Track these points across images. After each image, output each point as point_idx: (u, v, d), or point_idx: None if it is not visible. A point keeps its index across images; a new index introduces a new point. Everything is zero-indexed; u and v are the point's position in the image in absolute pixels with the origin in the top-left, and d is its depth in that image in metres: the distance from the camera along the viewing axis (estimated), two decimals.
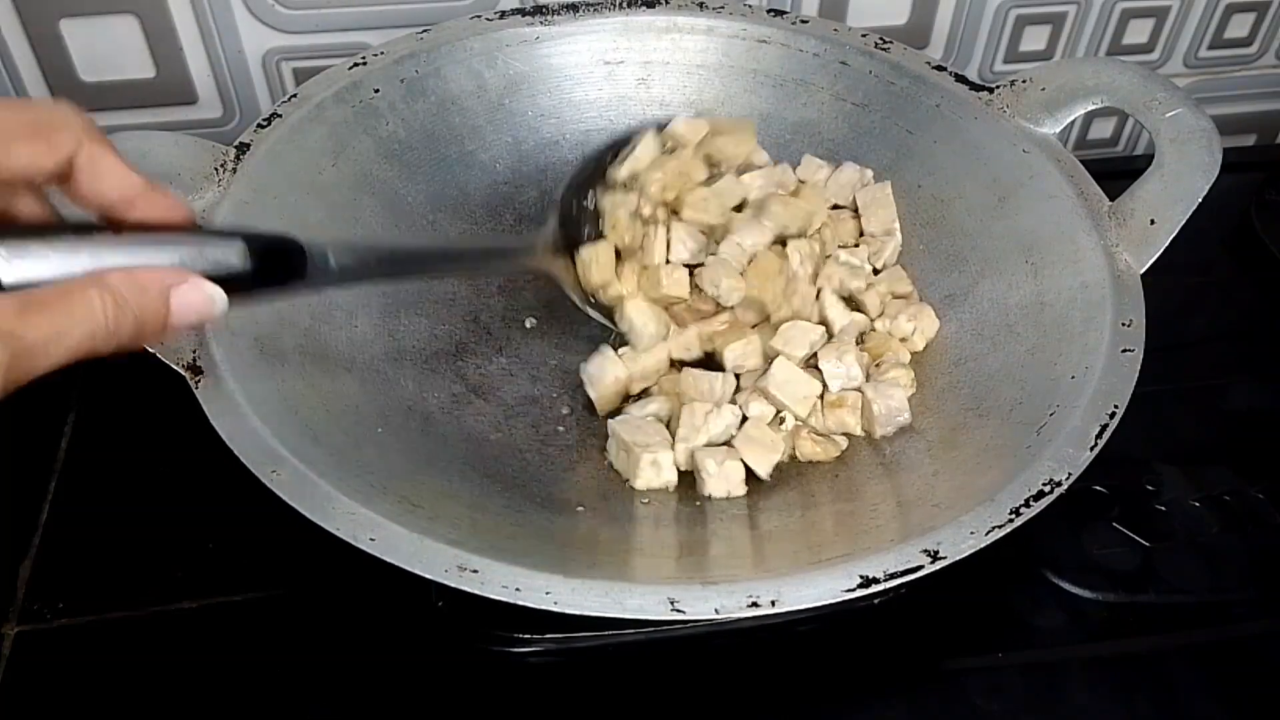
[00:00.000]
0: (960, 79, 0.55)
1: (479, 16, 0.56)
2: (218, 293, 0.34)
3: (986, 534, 0.38)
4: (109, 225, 0.34)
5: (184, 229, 0.35)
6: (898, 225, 0.54)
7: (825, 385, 0.48)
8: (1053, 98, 0.52)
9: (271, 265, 0.36)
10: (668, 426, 0.48)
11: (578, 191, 0.50)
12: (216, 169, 0.47)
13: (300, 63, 0.58)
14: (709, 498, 0.45)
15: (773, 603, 0.36)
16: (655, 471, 0.46)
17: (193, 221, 0.36)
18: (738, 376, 0.49)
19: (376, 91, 0.53)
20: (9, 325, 0.29)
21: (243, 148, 0.49)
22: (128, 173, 0.34)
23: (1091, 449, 0.40)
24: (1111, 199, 0.49)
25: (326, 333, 0.48)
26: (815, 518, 0.44)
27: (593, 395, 0.49)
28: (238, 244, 0.35)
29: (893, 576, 0.37)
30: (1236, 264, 0.67)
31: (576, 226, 0.49)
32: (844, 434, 0.48)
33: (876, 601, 0.45)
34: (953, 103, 0.54)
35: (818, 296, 0.51)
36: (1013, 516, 0.39)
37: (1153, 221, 0.47)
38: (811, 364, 0.49)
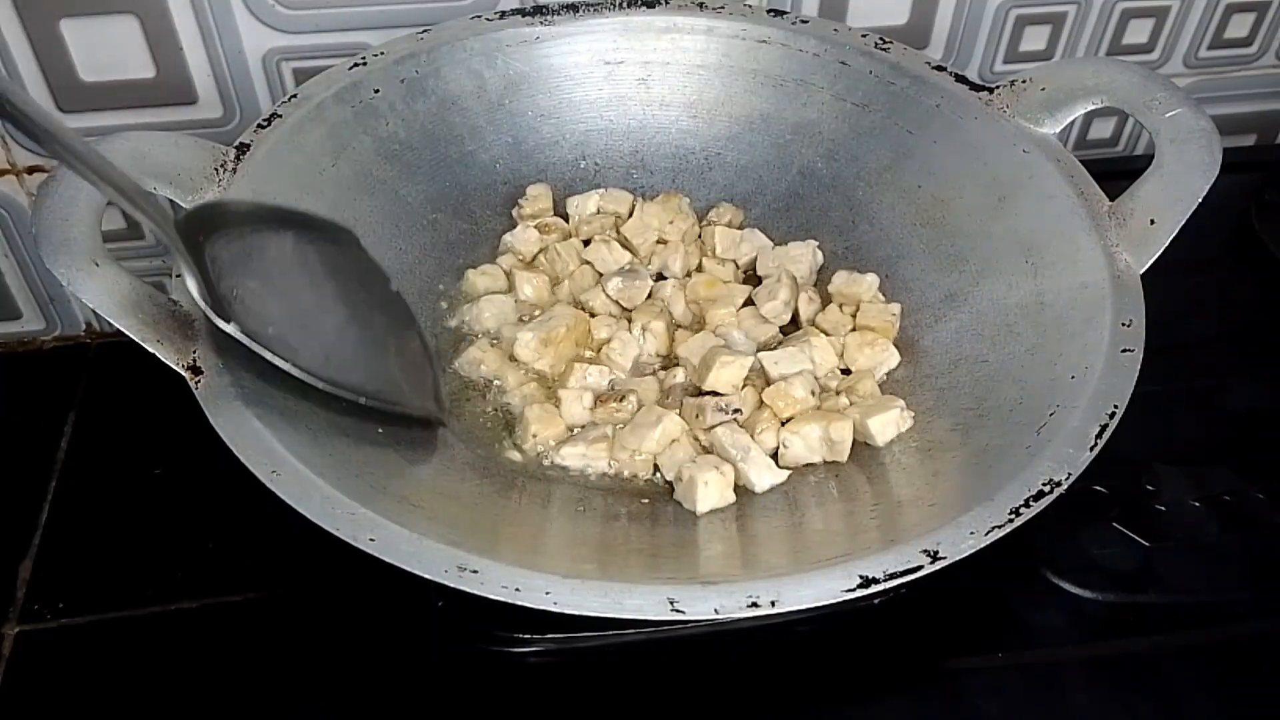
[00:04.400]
0: (960, 79, 0.55)
1: (479, 16, 0.56)
2: None
3: (986, 534, 0.38)
4: None
5: None
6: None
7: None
8: (1053, 98, 0.52)
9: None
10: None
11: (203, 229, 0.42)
12: (216, 169, 0.47)
13: (300, 63, 0.58)
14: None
15: (773, 603, 0.36)
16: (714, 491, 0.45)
17: None
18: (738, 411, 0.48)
19: (376, 91, 0.53)
20: None
21: (243, 148, 0.49)
22: None
23: (1091, 449, 0.40)
24: (1111, 199, 0.49)
25: None
26: (815, 518, 0.44)
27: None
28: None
29: (893, 576, 0.37)
30: (1236, 264, 0.67)
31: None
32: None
33: (876, 601, 0.45)
34: (953, 103, 0.54)
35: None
36: (1012, 516, 0.39)
37: (1153, 221, 0.47)
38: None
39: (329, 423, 0.43)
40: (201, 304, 0.40)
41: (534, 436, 0.47)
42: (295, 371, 0.41)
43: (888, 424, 0.47)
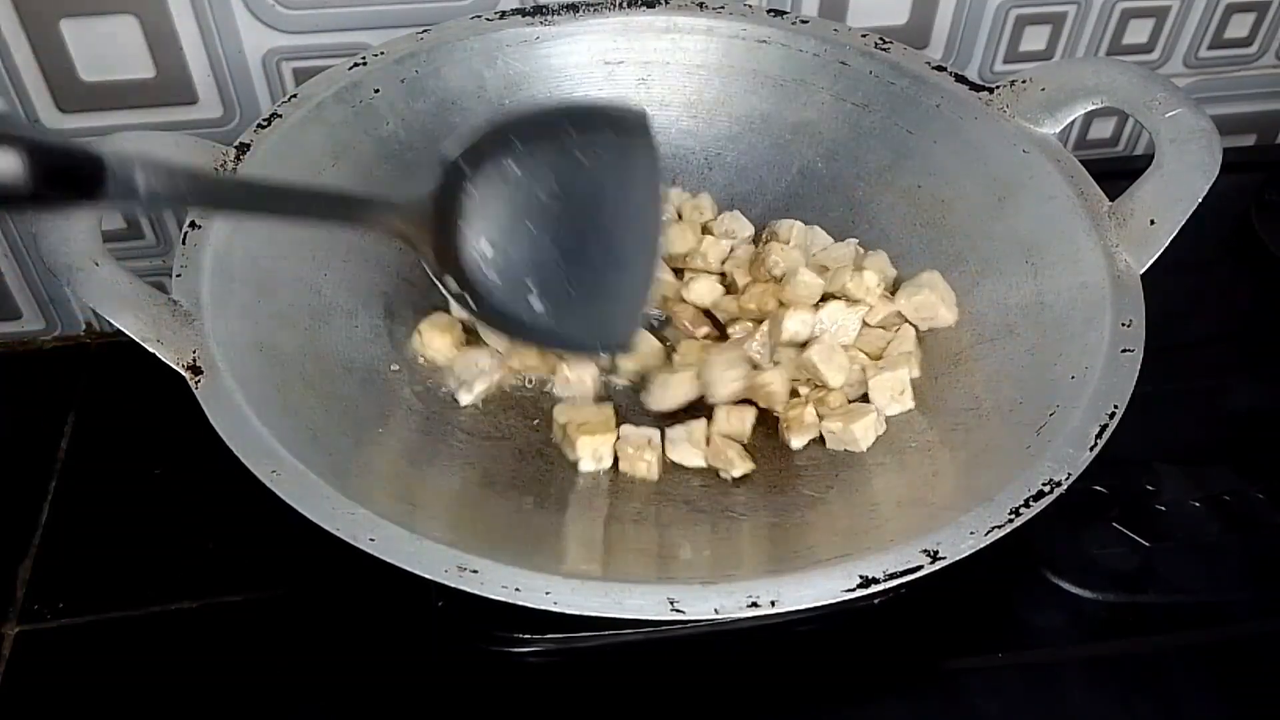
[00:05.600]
0: (960, 79, 0.55)
1: (479, 16, 0.56)
2: None
3: (986, 534, 0.38)
4: None
5: None
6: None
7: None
8: (1053, 98, 0.52)
9: (58, 178, 0.33)
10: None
11: (472, 161, 0.43)
12: (216, 169, 0.47)
13: (300, 63, 0.58)
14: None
15: (772, 603, 0.36)
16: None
17: None
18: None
19: (376, 91, 0.53)
20: None
21: (243, 148, 0.49)
22: None
23: (1091, 449, 0.40)
24: (1111, 199, 0.49)
25: (326, 333, 0.48)
26: (815, 517, 0.44)
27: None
28: (15, 152, 0.31)
29: (893, 576, 0.37)
30: (1236, 264, 0.67)
31: (454, 199, 0.43)
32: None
33: (876, 601, 0.45)
34: (953, 103, 0.54)
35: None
36: (1012, 516, 0.39)
37: (1153, 221, 0.47)
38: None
39: (329, 422, 0.43)
40: (437, 281, 0.43)
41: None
42: (494, 335, 0.46)
43: (869, 429, 0.47)
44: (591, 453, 0.47)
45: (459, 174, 0.43)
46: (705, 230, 0.57)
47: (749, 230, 0.56)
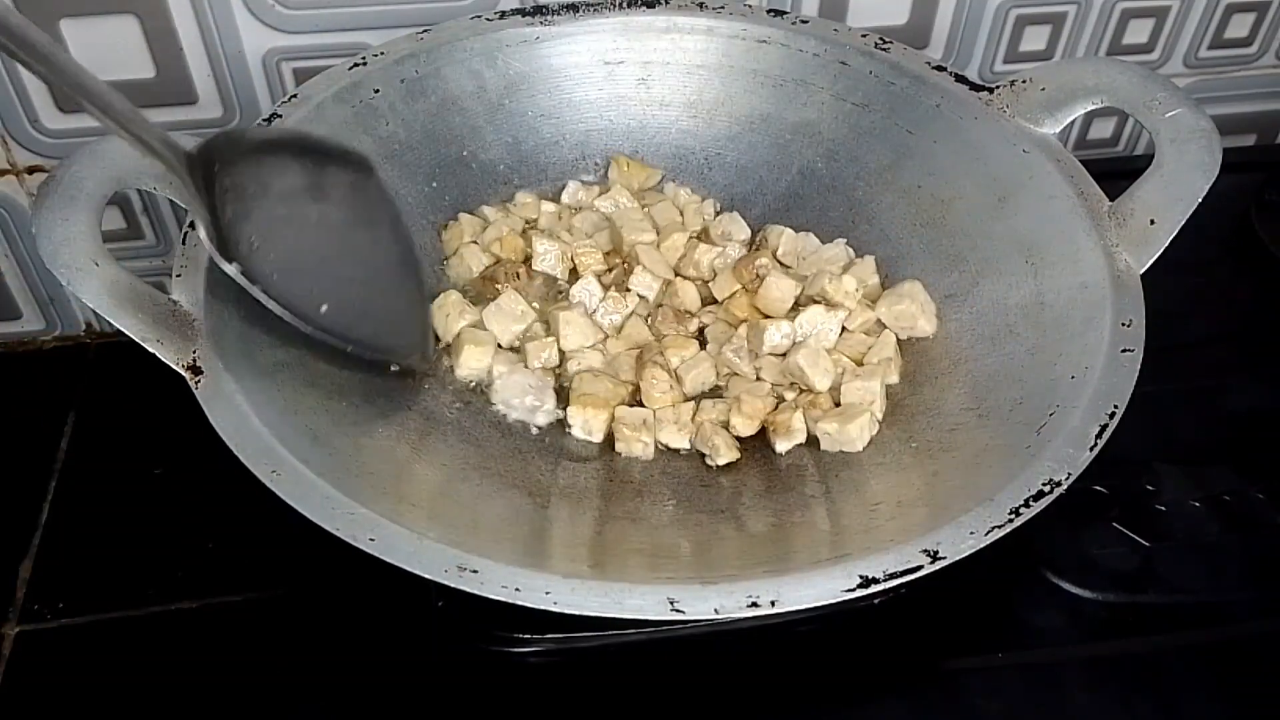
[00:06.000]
0: (960, 79, 0.55)
1: (479, 16, 0.56)
2: None
3: (986, 534, 0.38)
4: None
5: None
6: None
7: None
8: (1053, 98, 0.52)
9: None
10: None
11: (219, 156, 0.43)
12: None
13: (300, 63, 0.58)
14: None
15: (772, 603, 0.36)
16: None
17: None
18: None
19: (376, 91, 0.53)
20: None
21: None
22: None
23: (1091, 449, 0.40)
24: (1111, 199, 0.49)
25: None
26: (814, 517, 0.44)
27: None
28: None
29: (893, 576, 0.37)
30: (1236, 264, 0.67)
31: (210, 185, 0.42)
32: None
33: (876, 601, 0.45)
34: (953, 103, 0.54)
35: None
36: (1012, 516, 0.39)
37: (1153, 221, 0.47)
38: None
39: (329, 422, 0.43)
40: (207, 243, 0.41)
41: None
42: (287, 317, 0.43)
43: (863, 429, 0.47)
44: (583, 423, 0.48)
45: (210, 164, 0.42)
46: (704, 234, 0.57)
47: (745, 234, 0.56)
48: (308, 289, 0.44)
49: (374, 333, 0.46)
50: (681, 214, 0.57)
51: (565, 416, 0.49)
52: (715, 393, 0.51)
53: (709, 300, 0.55)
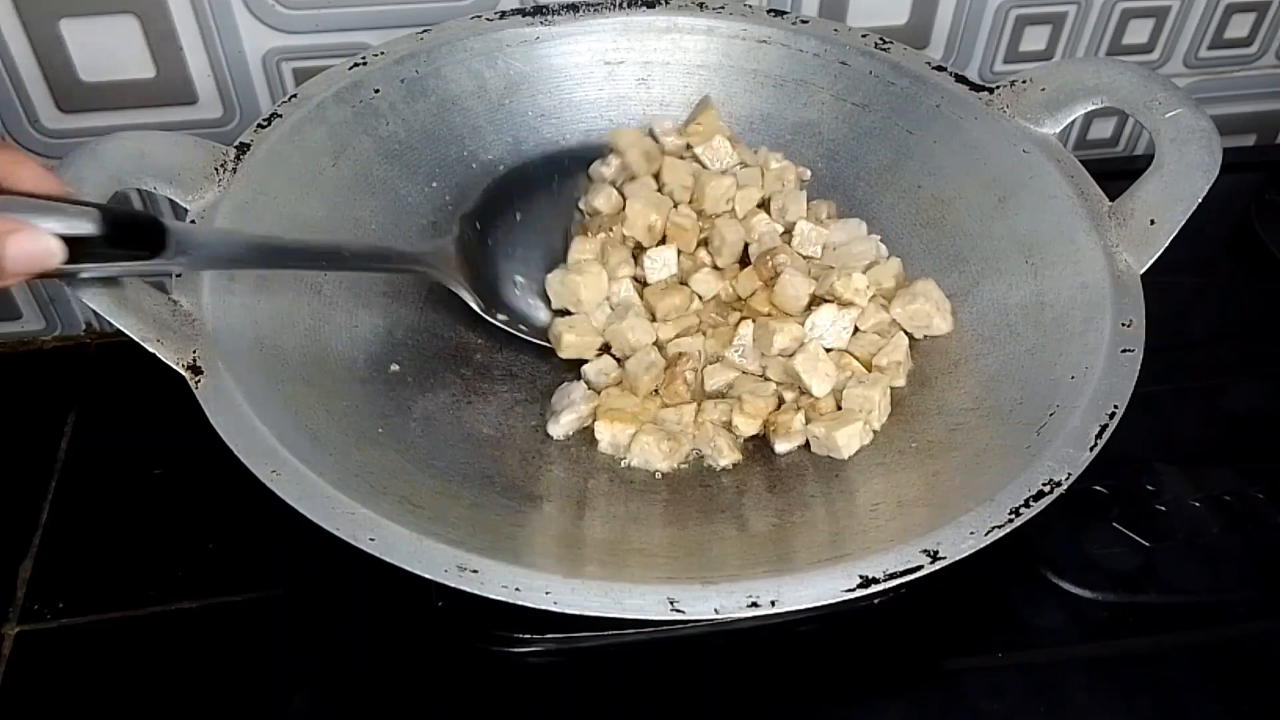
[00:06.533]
0: (960, 79, 0.55)
1: (479, 16, 0.56)
2: (56, 245, 0.36)
3: (986, 534, 0.38)
4: None
5: (47, 196, 0.37)
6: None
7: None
8: (1053, 98, 0.52)
9: (125, 235, 0.38)
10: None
11: (487, 207, 0.53)
12: (216, 169, 0.47)
13: (300, 63, 0.58)
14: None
15: (772, 603, 0.36)
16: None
17: (60, 191, 0.37)
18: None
19: (376, 91, 0.53)
20: None
21: (243, 148, 0.49)
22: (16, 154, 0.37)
23: (1091, 449, 0.40)
24: (1111, 199, 0.49)
25: (327, 333, 0.48)
26: (814, 517, 0.44)
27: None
28: (92, 211, 0.37)
29: (893, 576, 0.37)
30: (1236, 264, 0.67)
31: (476, 245, 0.52)
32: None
33: (876, 601, 0.45)
34: (953, 103, 0.54)
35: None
36: (1012, 516, 0.39)
37: (1153, 221, 0.47)
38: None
39: (329, 422, 0.43)
40: (477, 308, 0.50)
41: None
42: (530, 338, 0.52)
43: (852, 436, 0.47)
44: (611, 438, 0.48)
45: (475, 229, 0.52)
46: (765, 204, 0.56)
47: (800, 212, 0.55)
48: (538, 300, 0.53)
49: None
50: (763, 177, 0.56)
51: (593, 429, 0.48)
52: (718, 392, 0.51)
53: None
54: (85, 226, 0.37)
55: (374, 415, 0.46)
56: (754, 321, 0.51)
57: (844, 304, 0.51)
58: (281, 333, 0.46)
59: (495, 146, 0.57)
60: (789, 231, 0.54)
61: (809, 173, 0.57)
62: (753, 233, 0.54)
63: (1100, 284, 0.46)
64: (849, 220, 0.55)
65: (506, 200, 0.54)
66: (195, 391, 0.40)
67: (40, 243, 0.36)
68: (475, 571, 0.36)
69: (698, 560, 0.42)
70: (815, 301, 0.52)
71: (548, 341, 0.51)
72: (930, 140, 0.55)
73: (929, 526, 0.38)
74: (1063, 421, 0.42)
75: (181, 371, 0.41)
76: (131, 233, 0.39)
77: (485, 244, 0.52)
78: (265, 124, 0.50)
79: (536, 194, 0.55)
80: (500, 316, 0.51)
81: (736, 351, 0.50)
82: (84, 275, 0.39)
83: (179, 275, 0.44)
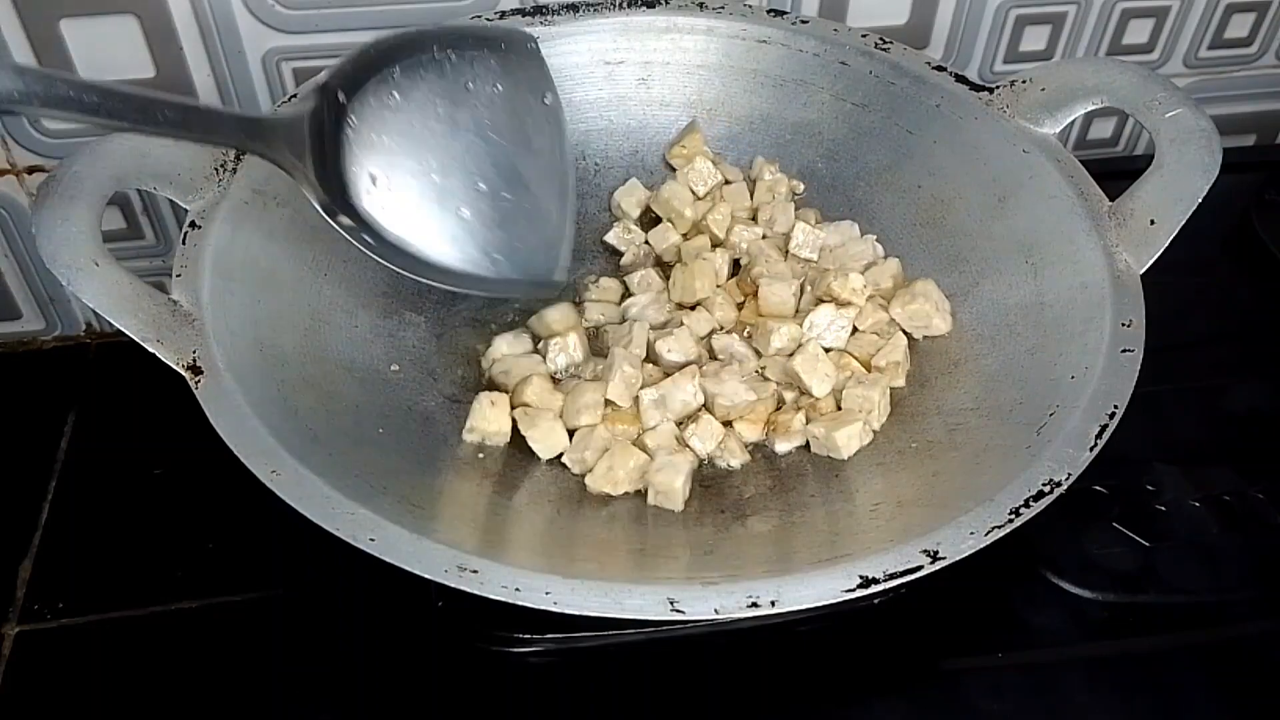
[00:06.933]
0: (960, 79, 0.55)
1: (479, 17, 0.56)
2: None
3: (986, 534, 0.38)
4: None
5: None
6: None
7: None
8: (1053, 98, 0.52)
9: None
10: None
11: (348, 87, 0.42)
12: (216, 169, 0.47)
13: (300, 63, 0.58)
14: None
15: (772, 603, 0.36)
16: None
17: None
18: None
19: None
20: None
21: None
22: None
23: (1091, 449, 0.40)
24: (1111, 199, 0.49)
25: (326, 333, 0.48)
26: (814, 517, 0.44)
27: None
28: None
29: (892, 576, 0.37)
30: (1236, 264, 0.67)
31: (334, 128, 0.42)
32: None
33: (876, 601, 0.45)
34: (953, 103, 0.54)
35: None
36: (1012, 517, 0.39)
37: (1153, 221, 0.47)
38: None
39: (329, 422, 0.43)
40: (311, 200, 0.41)
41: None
42: (409, 275, 0.42)
43: (852, 437, 0.47)
44: (608, 477, 0.46)
45: (335, 101, 0.42)
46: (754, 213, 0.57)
47: (789, 224, 0.55)
48: (429, 225, 0.42)
49: (509, 252, 0.43)
50: (752, 190, 0.57)
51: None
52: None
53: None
54: None
55: (374, 415, 0.46)
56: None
57: (841, 304, 0.51)
58: (281, 333, 0.46)
59: None
60: (786, 237, 0.55)
61: (801, 185, 0.58)
62: (737, 249, 0.55)
63: (1100, 284, 0.46)
64: (840, 223, 0.56)
65: (384, 73, 0.43)
66: (195, 392, 0.40)
67: None
68: (475, 571, 0.36)
69: (698, 560, 0.42)
70: (819, 301, 0.52)
71: (394, 265, 0.44)
72: (930, 140, 0.55)
73: (929, 527, 0.38)
74: (1063, 421, 0.42)
75: (181, 371, 0.41)
76: None
77: (345, 124, 0.42)
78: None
79: (423, 73, 0.44)
80: (344, 220, 0.42)
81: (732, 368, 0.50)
82: None
83: (179, 276, 0.44)
